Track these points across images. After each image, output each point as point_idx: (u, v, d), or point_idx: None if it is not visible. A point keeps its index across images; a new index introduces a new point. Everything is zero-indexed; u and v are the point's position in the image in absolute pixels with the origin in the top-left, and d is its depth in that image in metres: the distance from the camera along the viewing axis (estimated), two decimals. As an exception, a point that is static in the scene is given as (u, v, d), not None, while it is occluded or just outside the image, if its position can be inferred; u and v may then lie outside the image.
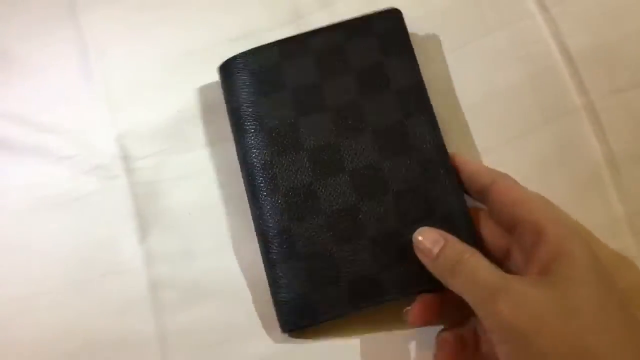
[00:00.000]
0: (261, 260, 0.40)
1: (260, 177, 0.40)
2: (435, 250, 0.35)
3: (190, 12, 0.47)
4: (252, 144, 0.40)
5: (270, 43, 0.42)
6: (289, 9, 0.47)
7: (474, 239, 0.38)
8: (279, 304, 0.38)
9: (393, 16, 0.42)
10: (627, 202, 0.41)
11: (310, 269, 0.38)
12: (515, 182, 0.37)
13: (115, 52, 0.46)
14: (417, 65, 0.41)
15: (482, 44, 0.45)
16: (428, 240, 0.36)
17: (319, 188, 0.39)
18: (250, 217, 0.41)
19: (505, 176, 0.37)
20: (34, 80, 0.46)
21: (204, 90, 0.45)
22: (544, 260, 0.33)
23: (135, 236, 0.42)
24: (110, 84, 0.45)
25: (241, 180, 0.42)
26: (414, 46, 0.42)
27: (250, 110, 0.41)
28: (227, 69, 0.42)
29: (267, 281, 0.39)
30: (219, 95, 0.44)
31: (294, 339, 0.39)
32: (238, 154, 0.41)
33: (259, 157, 0.40)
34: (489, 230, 0.38)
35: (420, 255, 0.37)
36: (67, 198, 0.42)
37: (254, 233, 0.41)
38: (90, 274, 0.41)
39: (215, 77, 0.44)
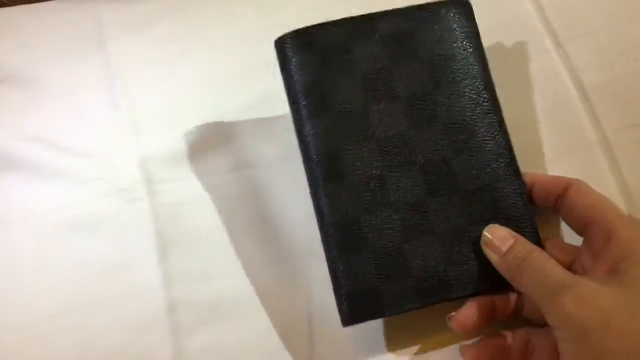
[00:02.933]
0: (281, 282, 0.41)
1: (328, 164, 0.38)
2: (504, 247, 0.36)
3: (213, 42, 0.49)
4: (318, 127, 0.39)
5: (339, 20, 0.40)
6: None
7: (538, 241, 0.38)
8: (344, 295, 0.37)
9: (463, 7, 0.41)
10: None
11: (379, 262, 0.37)
12: (589, 186, 0.37)
13: (141, 79, 0.48)
14: (487, 61, 0.40)
15: (498, 78, 0.46)
16: (497, 237, 0.36)
17: (389, 180, 0.38)
18: (265, 240, 0.42)
19: (579, 181, 0.37)
20: (61, 105, 0.47)
21: (226, 118, 0.46)
22: (613, 259, 0.33)
23: (154, 257, 0.42)
24: (135, 110, 0.47)
25: (260, 204, 0.43)
26: None
27: (317, 90, 0.39)
28: (289, 43, 0.40)
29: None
30: (241, 123, 0.46)
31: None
32: (300, 138, 0.39)
33: (327, 143, 0.38)
34: (552, 247, 0.38)
35: (487, 252, 0.37)
36: (90, 220, 0.43)
37: (273, 255, 0.41)
38: (110, 294, 0.41)
39: (237, 103, 0.46)
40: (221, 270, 0.42)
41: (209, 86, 0.47)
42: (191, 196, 0.44)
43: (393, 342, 0.40)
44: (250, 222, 0.43)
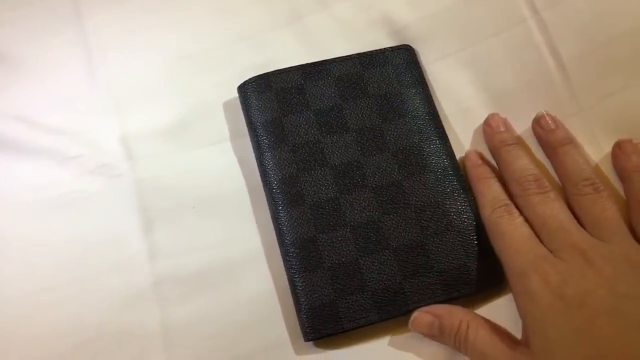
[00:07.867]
0: (265, 252, 0.42)
1: (287, 189, 0.41)
2: (434, 332, 0.38)
3: (191, 15, 0.48)
4: (278, 158, 0.42)
5: (293, 67, 0.44)
6: (288, 10, 0.48)
7: (490, 250, 0.39)
8: (303, 311, 0.39)
9: (407, 51, 0.46)
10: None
11: (335, 278, 0.39)
12: None
13: (119, 54, 0.47)
14: (431, 95, 0.45)
15: (474, 50, 0.46)
16: (422, 327, 0.38)
17: (343, 202, 0.41)
18: (251, 211, 0.43)
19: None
20: (39, 82, 0.47)
21: (205, 92, 0.46)
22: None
23: (139, 231, 0.42)
24: (113, 85, 0.46)
25: (243, 175, 0.44)
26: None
27: (275, 127, 0.43)
28: (250, 87, 0.44)
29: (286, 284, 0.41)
30: (220, 97, 0.46)
31: (293, 333, 0.40)
32: (261, 168, 0.43)
33: (285, 171, 0.42)
34: None
35: None
36: (73, 197, 0.43)
37: (257, 227, 0.42)
38: (96, 270, 0.42)
39: (216, 78, 0.46)
40: (207, 243, 0.42)
41: (188, 60, 0.47)
42: (173, 170, 0.44)
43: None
44: (233, 193, 0.44)
